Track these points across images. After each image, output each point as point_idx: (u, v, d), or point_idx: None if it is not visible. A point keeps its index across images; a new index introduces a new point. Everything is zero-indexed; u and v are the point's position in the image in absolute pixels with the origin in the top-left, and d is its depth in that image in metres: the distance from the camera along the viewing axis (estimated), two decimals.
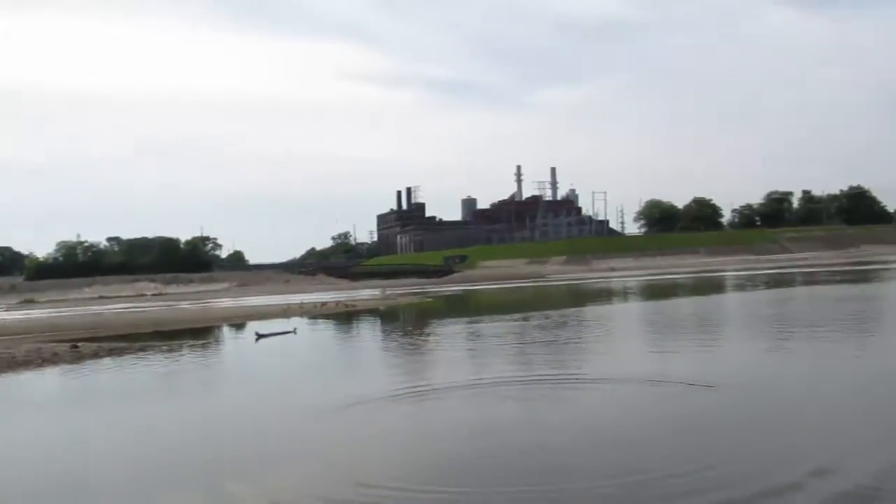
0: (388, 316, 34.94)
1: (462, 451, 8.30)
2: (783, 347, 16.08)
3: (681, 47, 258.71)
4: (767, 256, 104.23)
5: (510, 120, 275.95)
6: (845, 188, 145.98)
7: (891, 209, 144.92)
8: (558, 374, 13.38)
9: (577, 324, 24.37)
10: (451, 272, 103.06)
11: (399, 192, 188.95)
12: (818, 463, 6.87)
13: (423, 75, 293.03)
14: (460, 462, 7.86)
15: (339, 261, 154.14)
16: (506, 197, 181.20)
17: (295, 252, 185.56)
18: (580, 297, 42.84)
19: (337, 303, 41.91)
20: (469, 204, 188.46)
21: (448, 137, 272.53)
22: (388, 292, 59.28)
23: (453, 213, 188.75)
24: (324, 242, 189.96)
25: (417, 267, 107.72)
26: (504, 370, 14.40)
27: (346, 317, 33.83)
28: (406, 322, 32.04)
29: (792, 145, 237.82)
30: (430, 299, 48.63)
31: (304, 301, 44.88)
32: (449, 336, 23.35)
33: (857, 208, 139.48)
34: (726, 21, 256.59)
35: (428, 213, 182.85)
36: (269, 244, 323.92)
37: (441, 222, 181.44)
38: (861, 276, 45.47)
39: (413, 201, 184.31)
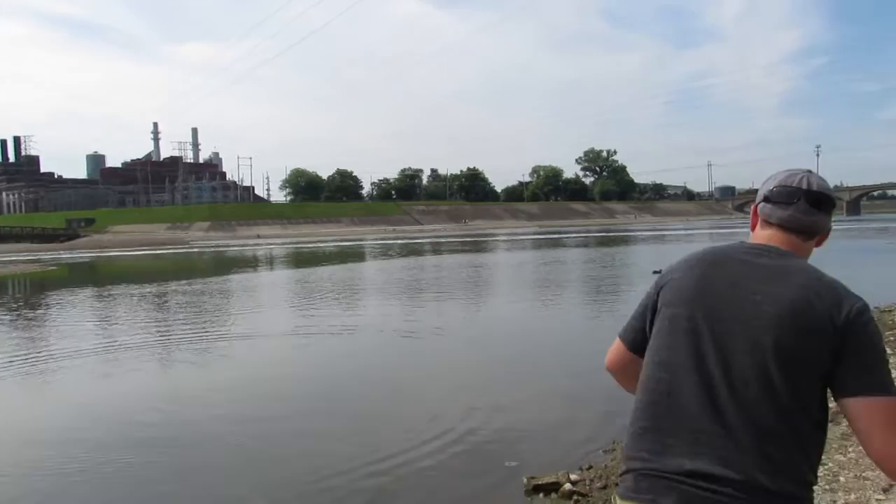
0: None
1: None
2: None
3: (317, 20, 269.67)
4: (402, 227, 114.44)
5: (147, 72, 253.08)
6: (465, 169, 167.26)
7: (498, 188, 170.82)
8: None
9: (227, 291, 23.86)
10: (77, 237, 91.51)
11: (4, 142, 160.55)
12: None
13: (40, 8, 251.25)
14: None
15: None
16: (140, 156, 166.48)
17: None
18: (227, 264, 41.81)
19: None
20: (96, 160, 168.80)
21: (71, 84, 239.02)
22: None
23: (76, 171, 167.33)
24: None
25: (32, 230, 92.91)
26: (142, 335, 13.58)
27: None
28: (22, 295, 27.70)
29: (414, 127, 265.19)
30: (53, 268, 42.57)
31: None
32: (77, 305, 20.86)
33: (472, 187, 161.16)
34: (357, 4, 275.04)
35: (44, 169, 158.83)
36: None
37: (61, 179, 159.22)
38: (476, 246, 52.85)
39: (24, 153, 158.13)
